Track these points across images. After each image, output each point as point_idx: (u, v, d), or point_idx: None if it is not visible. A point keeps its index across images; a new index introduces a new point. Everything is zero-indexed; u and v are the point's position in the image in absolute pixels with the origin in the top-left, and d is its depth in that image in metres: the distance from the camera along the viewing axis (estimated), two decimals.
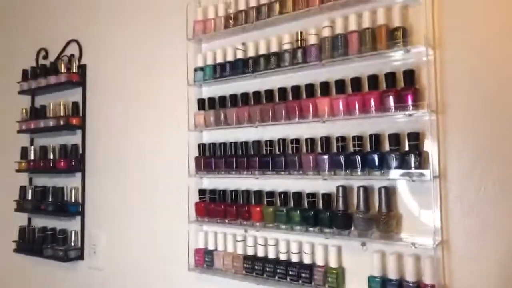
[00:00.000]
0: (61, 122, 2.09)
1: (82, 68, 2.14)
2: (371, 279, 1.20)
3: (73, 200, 2.10)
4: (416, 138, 1.15)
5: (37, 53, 2.37)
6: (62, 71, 2.12)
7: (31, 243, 2.22)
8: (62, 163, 2.10)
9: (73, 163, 2.09)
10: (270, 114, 1.42)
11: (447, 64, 1.15)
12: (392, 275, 1.17)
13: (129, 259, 1.89)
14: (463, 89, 1.13)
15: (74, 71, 2.12)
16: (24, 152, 2.28)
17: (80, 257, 2.08)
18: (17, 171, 2.28)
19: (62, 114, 2.11)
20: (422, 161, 1.14)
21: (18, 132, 2.30)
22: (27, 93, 2.33)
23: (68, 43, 2.22)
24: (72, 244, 2.10)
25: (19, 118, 2.31)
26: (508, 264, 1.06)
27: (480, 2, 1.11)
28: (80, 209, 2.09)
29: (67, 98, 2.17)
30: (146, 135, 1.85)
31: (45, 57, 2.34)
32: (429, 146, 1.15)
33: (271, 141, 1.43)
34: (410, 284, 1.13)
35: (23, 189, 2.29)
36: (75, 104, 2.13)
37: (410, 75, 1.17)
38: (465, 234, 1.12)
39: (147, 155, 1.85)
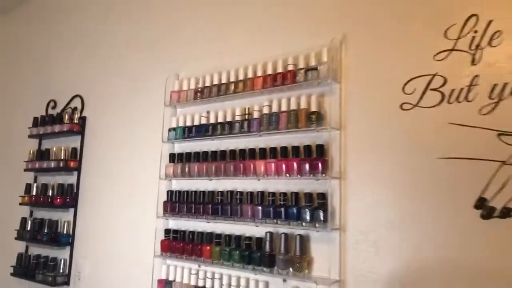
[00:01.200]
0: (61, 164, 2.47)
1: (83, 120, 2.54)
2: None
3: (65, 232, 2.44)
4: (323, 197, 1.49)
5: (47, 104, 2.79)
6: (66, 121, 2.53)
7: (26, 269, 2.54)
8: (58, 200, 2.45)
9: (67, 200, 2.45)
10: (222, 170, 1.76)
11: (348, 141, 1.50)
12: None
13: (106, 285, 2.19)
14: (360, 162, 1.47)
15: (75, 121, 2.52)
16: (28, 188, 2.65)
17: (67, 283, 2.39)
18: (21, 204, 2.64)
19: (62, 158, 2.49)
20: (327, 216, 1.47)
21: (25, 170, 2.68)
22: (35, 137, 2.74)
23: (73, 97, 2.64)
24: (61, 271, 2.41)
25: (27, 158, 2.70)
26: None
27: (374, 98, 1.47)
28: (71, 240, 2.42)
29: (68, 143, 2.55)
30: (128, 180, 2.21)
31: (54, 107, 2.76)
32: (335, 203, 1.48)
33: (222, 192, 1.77)
34: None
35: (23, 220, 2.64)
36: (74, 149, 2.51)
37: (320, 149, 1.52)
38: (356, 275, 1.42)
39: (127, 197, 2.20)
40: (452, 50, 1.33)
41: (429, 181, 1.32)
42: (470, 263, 1.22)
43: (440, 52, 1.34)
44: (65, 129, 2.50)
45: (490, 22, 1.27)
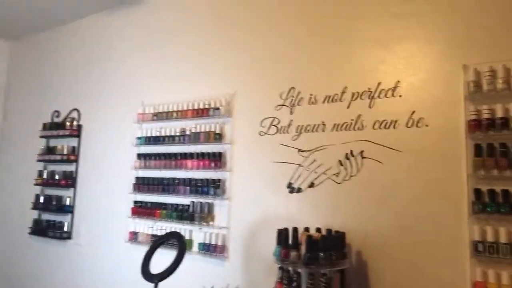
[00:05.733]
0: (64, 157, 3.60)
1: (79, 127, 3.66)
2: (199, 244, 2.70)
3: (67, 204, 3.58)
4: (220, 181, 2.67)
5: (52, 113, 3.89)
6: (67, 128, 3.65)
7: (40, 229, 3.69)
8: (63, 182, 3.59)
9: (69, 182, 3.59)
10: (168, 165, 2.93)
11: (235, 152, 2.68)
12: (207, 241, 2.67)
13: (95, 239, 3.37)
14: (240, 163, 2.65)
15: (74, 128, 3.64)
16: (40, 173, 3.78)
17: (69, 237, 3.55)
18: (35, 184, 3.77)
19: (65, 153, 3.62)
20: (222, 192, 2.66)
21: (37, 161, 3.80)
22: (45, 138, 3.85)
23: (72, 110, 3.76)
24: (65, 229, 3.57)
25: (38, 153, 3.81)
26: (253, 231, 2.55)
27: (248, 128, 2.65)
28: (72, 210, 3.57)
29: (69, 143, 3.68)
30: (111, 170, 3.36)
31: (57, 116, 3.87)
32: (227, 185, 2.67)
33: (167, 178, 2.95)
34: (214, 245, 2.63)
35: (37, 196, 3.78)
36: (73, 147, 3.64)
37: (220, 155, 2.70)
38: (238, 225, 2.62)
39: (111, 180, 3.35)
40: (283, 105, 2.51)
41: (268, 173, 2.52)
42: (281, 215, 2.42)
43: (277, 105, 2.53)
44: (67, 133, 3.63)
45: (299, 92, 2.45)
